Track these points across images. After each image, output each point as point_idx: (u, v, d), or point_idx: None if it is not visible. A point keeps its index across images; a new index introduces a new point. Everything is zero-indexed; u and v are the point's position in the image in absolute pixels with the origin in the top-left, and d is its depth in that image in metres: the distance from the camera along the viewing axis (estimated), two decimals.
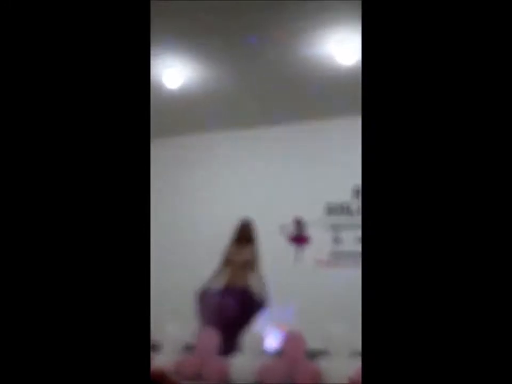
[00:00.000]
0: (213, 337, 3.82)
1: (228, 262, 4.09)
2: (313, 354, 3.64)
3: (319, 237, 5.76)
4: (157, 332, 3.79)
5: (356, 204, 5.80)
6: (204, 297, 4.04)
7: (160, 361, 3.65)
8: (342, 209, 5.84)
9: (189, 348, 3.95)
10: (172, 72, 4.79)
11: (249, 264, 4.04)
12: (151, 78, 3.60)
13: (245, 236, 4.22)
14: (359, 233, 5.74)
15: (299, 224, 5.86)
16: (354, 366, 3.30)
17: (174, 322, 4.15)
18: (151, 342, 3.77)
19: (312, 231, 5.86)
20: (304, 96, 5.10)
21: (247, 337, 3.76)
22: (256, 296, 3.95)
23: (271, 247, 5.52)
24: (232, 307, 3.86)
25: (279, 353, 3.66)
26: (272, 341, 4.14)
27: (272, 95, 5.18)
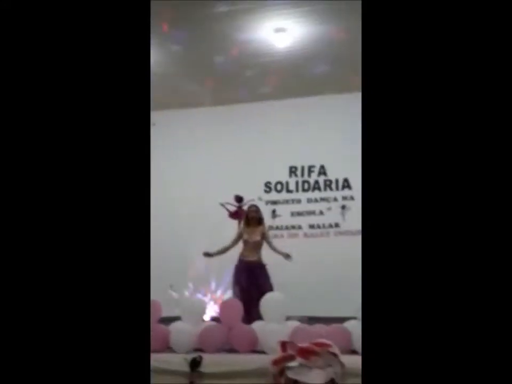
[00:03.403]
0: (155, 307, 3.73)
1: (244, 242, 4.49)
2: (249, 320, 3.64)
3: None
4: None
5: (292, 182, 5.88)
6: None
7: None
8: (280, 186, 5.89)
9: None
10: None
11: (259, 243, 4.50)
12: None
13: (254, 218, 4.54)
14: (294, 208, 5.83)
15: (240, 201, 5.84)
16: (286, 330, 3.34)
17: None
18: None
19: None
20: (242, 79, 5.04)
21: (186, 306, 3.71)
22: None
23: (214, 222, 5.47)
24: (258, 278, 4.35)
25: (217, 320, 3.63)
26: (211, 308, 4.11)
27: (211, 78, 5.08)
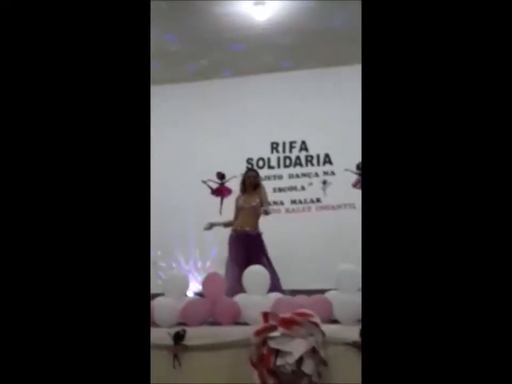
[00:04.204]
0: None
1: (240, 209, 4.22)
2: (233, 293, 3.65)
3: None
4: None
5: (274, 158, 5.86)
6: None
7: None
8: (262, 163, 5.86)
9: None
10: None
11: (257, 209, 4.17)
12: None
13: (252, 183, 4.26)
14: (276, 183, 5.82)
15: (222, 177, 5.80)
16: (269, 302, 3.36)
17: None
18: None
19: (234, 184, 5.83)
20: (221, 53, 4.94)
21: (169, 281, 3.69)
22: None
23: (196, 199, 5.43)
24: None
25: (201, 294, 3.63)
26: (194, 284, 4.11)
27: (190, 53, 4.96)
